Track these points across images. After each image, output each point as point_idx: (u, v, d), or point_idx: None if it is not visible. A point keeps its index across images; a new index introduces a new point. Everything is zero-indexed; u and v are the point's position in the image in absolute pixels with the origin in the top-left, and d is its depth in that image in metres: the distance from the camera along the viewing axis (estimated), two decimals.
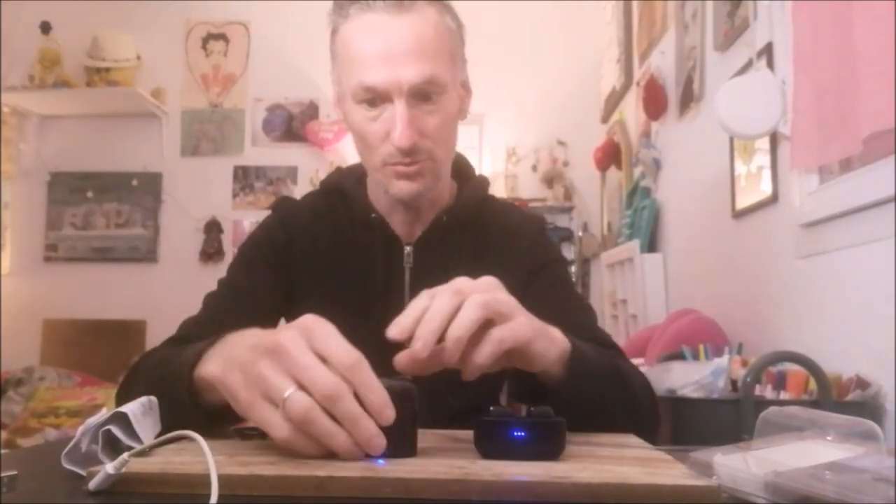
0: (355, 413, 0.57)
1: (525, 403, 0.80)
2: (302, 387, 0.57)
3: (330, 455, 0.60)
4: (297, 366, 0.58)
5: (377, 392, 0.58)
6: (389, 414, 0.58)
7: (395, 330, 0.60)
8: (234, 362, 0.63)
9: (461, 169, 1.11)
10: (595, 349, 0.82)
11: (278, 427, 0.57)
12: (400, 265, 1.03)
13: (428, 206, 1.03)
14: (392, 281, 1.03)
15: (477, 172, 1.15)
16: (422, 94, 0.91)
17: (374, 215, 1.03)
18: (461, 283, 0.64)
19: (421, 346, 0.59)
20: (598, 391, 0.77)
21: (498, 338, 0.64)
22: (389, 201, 1.01)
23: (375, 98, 0.92)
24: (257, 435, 0.71)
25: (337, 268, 1.04)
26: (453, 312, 0.61)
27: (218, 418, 0.69)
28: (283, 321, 1.10)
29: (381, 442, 0.57)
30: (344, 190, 1.07)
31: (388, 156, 0.94)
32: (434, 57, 0.91)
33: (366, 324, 1.01)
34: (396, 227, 1.04)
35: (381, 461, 0.58)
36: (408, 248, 1.03)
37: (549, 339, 0.71)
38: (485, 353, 0.63)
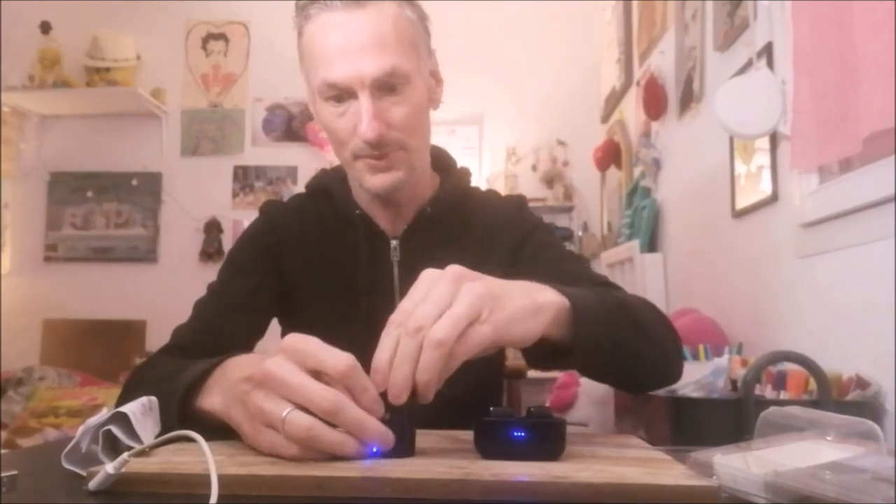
0: (359, 419, 0.58)
1: (542, 368, 0.79)
2: (300, 407, 0.58)
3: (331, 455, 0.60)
4: (290, 388, 0.58)
5: (368, 393, 0.59)
6: (378, 409, 0.59)
7: (379, 378, 0.60)
8: (235, 396, 0.64)
9: (442, 162, 1.12)
10: (597, 293, 0.79)
11: (285, 448, 0.58)
12: (387, 259, 1.04)
13: (409, 199, 1.03)
14: (380, 276, 1.03)
15: (476, 172, 1.15)
16: (386, 86, 0.92)
17: (358, 212, 1.04)
18: (420, 313, 0.61)
19: (397, 392, 0.59)
20: (613, 340, 0.76)
21: (454, 357, 0.61)
22: (372, 197, 1.02)
23: (341, 94, 0.93)
24: None
25: (325, 266, 1.05)
26: (419, 352, 0.60)
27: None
28: (274, 321, 1.10)
29: (390, 439, 0.59)
30: (329, 189, 1.07)
31: (359, 149, 0.94)
32: (395, 48, 0.91)
33: (355, 319, 1.02)
34: (381, 223, 1.04)
35: (375, 458, 0.59)
36: (394, 243, 1.04)
37: (532, 313, 0.67)
38: (444, 372, 0.61)
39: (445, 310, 0.61)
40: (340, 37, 0.91)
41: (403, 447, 0.61)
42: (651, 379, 0.87)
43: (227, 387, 0.67)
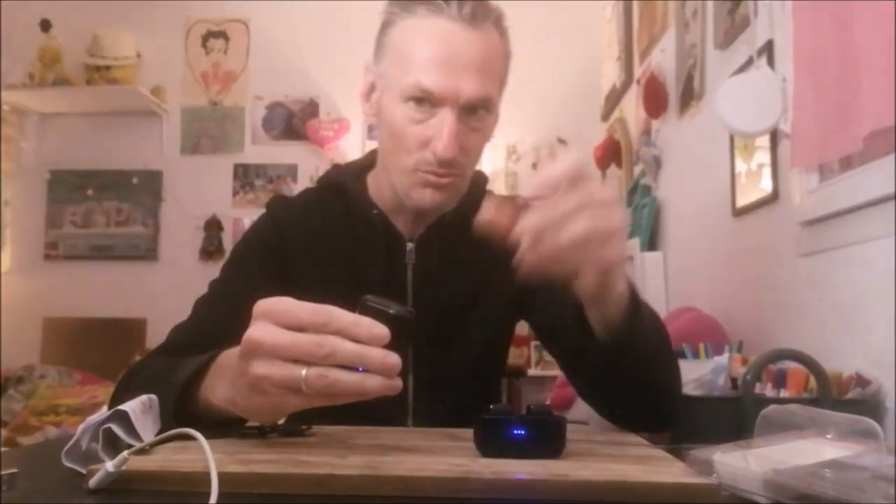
0: (356, 351, 0.58)
1: (584, 344, 0.80)
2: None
3: (330, 451, 0.60)
4: (284, 348, 0.59)
5: (360, 325, 0.59)
6: (379, 333, 0.59)
7: (533, 189, 0.65)
8: (240, 381, 0.65)
9: None
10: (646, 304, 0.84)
11: (316, 400, 0.59)
12: (402, 262, 1.02)
13: None
14: (394, 277, 1.02)
15: (482, 172, 1.15)
16: (472, 110, 0.92)
17: (375, 212, 1.02)
18: (594, 193, 0.65)
19: (533, 224, 0.63)
20: (648, 350, 0.79)
21: (594, 258, 0.66)
22: (394, 199, 1.01)
23: (426, 101, 0.91)
24: (257, 433, 0.71)
25: (335, 264, 1.03)
26: (571, 215, 0.63)
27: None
28: None
29: (394, 360, 0.58)
30: (345, 186, 1.06)
31: (423, 162, 0.93)
32: (492, 77, 0.93)
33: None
34: (398, 225, 1.03)
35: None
36: (410, 245, 1.02)
37: (622, 275, 0.73)
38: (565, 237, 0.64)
39: (607, 207, 0.66)
40: (450, 48, 0.90)
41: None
42: (651, 414, 0.88)
43: (230, 376, 0.68)
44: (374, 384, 0.58)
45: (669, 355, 0.87)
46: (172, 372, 0.74)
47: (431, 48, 0.90)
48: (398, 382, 0.58)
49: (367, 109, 1.02)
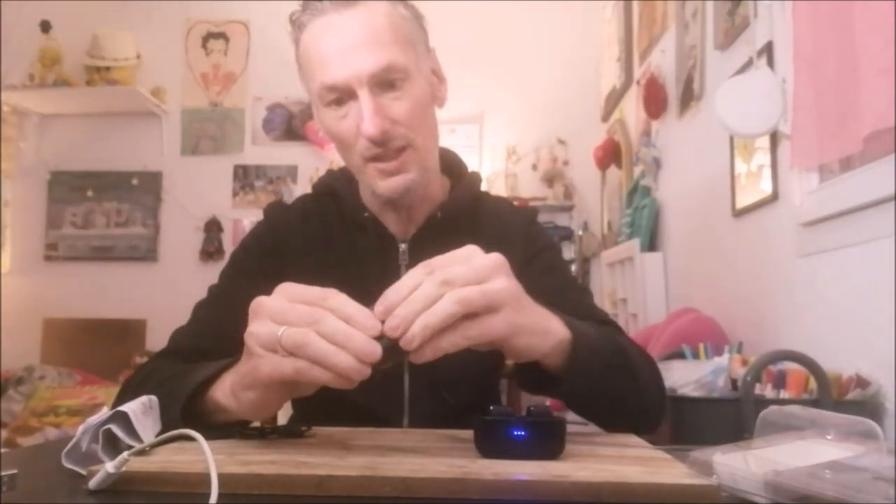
0: (341, 328, 0.59)
1: (529, 392, 0.80)
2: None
3: (329, 452, 0.60)
4: (277, 312, 0.62)
5: (357, 312, 0.60)
6: (374, 325, 0.60)
7: (381, 307, 0.61)
8: (238, 371, 0.66)
9: (453, 166, 1.11)
10: (600, 333, 0.81)
11: (286, 364, 0.60)
12: (395, 263, 1.02)
13: (420, 203, 1.02)
14: (388, 279, 1.01)
15: (475, 171, 1.15)
16: (385, 83, 0.91)
17: (366, 215, 1.03)
18: (456, 270, 0.63)
19: (396, 323, 0.60)
20: (603, 380, 0.78)
21: (463, 334, 0.62)
22: (383, 201, 1.01)
23: (341, 96, 0.92)
24: (257, 434, 0.71)
25: (331, 269, 1.03)
26: (435, 301, 0.61)
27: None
28: None
29: (375, 349, 0.59)
30: (336, 191, 1.06)
31: (365, 150, 0.93)
32: (390, 45, 0.91)
33: None
34: (390, 226, 1.03)
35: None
36: (403, 246, 1.02)
37: (541, 333, 0.70)
38: (446, 342, 0.61)
39: (479, 282, 0.63)
40: (334, 38, 0.91)
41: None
42: (629, 425, 0.87)
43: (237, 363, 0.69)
44: (344, 360, 0.58)
45: (630, 372, 0.83)
46: (186, 376, 0.75)
47: (321, 47, 0.92)
48: (367, 370, 0.59)
49: (320, 127, 1.03)
